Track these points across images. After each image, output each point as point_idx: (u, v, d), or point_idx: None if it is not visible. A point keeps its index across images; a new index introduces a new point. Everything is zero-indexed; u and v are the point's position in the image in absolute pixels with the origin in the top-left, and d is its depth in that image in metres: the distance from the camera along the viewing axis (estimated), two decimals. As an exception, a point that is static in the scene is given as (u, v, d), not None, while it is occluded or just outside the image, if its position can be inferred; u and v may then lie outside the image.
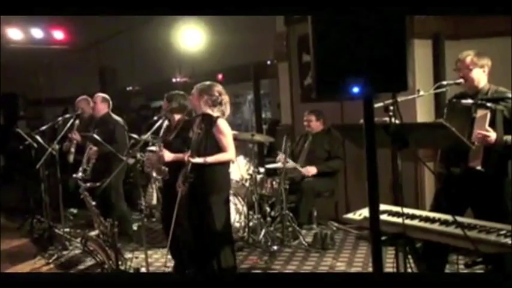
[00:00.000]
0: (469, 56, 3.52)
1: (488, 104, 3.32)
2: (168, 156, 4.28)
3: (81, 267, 5.04)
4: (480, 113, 3.33)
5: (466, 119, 3.37)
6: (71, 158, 6.03)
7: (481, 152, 3.31)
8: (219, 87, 4.15)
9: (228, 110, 4.19)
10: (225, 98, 4.15)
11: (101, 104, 5.95)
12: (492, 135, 3.26)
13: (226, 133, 4.06)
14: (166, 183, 4.45)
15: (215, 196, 4.03)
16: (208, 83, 4.18)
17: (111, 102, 6.03)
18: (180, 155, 4.23)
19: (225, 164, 4.17)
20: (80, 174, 5.16)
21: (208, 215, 4.00)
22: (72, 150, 6.13)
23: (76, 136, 6.04)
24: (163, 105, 4.67)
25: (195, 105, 4.20)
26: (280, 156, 5.58)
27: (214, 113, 4.10)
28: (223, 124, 4.06)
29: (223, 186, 4.15)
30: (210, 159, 3.99)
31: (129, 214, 6.06)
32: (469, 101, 3.43)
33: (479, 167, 3.32)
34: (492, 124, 3.30)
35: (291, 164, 5.63)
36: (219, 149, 4.05)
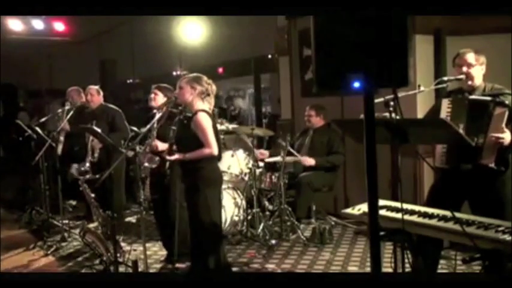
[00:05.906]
0: (470, 53, 3.53)
1: (507, 102, 3.28)
2: (162, 145, 4.33)
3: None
4: (498, 110, 3.29)
5: (481, 116, 3.34)
6: (59, 148, 6.01)
7: (495, 150, 3.29)
8: (206, 79, 4.02)
9: (213, 101, 4.06)
10: (213, 88, 4.03)
11: (97, 96, 6.11)
12: (507, 136, 3.23)
13: (206, 127, 3.84)
14: (158, 173, 4.46)
15: (205, 191, 3.89)
16: (195, 74, 4.04)
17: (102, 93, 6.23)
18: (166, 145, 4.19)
19: (210, 159, 3.93)
20: (87, 165, 5.17)
21: (195, 209, 3.93)
22: (62, 139, 6.12)
23: (66, 126, 6.05)
24: (153, 98, 4.68)
25: (185, 99, 3.98)
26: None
27: (205, 104, 3.96)
28: (201, 118, 3.85)
29: (214, 182, 4.00)
30: (190, 155, 3.87)
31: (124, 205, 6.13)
32: (487, 98, 3.37)
33: (492, 165, 3.30)
34: (508, 122, 3.26)
35: (290, 158, 5.63)
36: (199, 144, 3.87)
